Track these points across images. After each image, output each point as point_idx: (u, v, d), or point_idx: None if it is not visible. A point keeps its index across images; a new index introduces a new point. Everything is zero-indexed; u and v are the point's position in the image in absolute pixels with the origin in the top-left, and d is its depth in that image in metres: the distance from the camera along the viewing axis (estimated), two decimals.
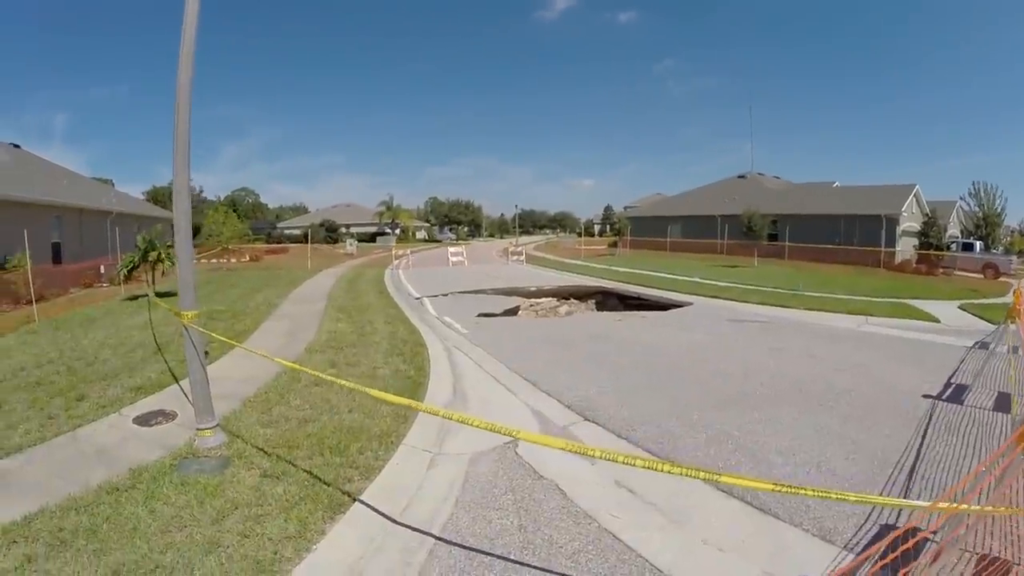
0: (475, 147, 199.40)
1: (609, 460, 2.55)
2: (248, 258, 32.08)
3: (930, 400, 6.68)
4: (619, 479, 4.48)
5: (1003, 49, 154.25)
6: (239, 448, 5.00)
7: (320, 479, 4.30)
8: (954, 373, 7.96)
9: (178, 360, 8.20)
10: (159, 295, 15.73)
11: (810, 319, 12.91)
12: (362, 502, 3.99)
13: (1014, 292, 7.88)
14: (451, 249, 32.57)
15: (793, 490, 2.26)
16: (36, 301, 12.79)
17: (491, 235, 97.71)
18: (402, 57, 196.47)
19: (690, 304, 15.55)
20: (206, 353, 8.46)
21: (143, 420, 5.89)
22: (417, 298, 16.38)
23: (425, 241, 72.62)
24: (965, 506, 2.34)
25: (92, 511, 3.87)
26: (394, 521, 3.76)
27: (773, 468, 4.78)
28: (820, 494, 2.31)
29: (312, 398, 6.28)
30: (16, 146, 29.53)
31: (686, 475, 2.34)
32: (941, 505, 2.35)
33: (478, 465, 4.71)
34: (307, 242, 36.89)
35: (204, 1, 5.10)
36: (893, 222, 34.25)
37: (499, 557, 3.31)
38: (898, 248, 33.92)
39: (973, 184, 38.86)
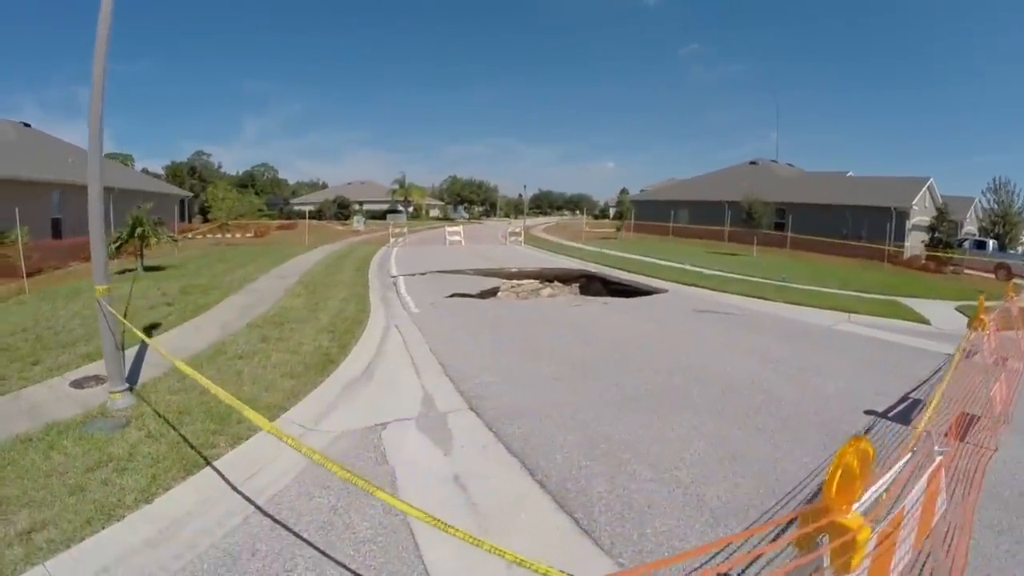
0: (498, 127, 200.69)
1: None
2: (253, 234, 32.86)
3: (872, 417, 6.00)
4: (461, 474, 4.53)
5: None
6: (142, 411, 5.58)
7: (190, 443, 4.79)
8: (918, 385, 7.20)
9: (135, 328, 8.78)
10: (148, 269, 16.55)
11: (785, 313, 12.48)
12: (213, 467, 4.46)
13: (979, 299, 6.54)
14: (449, 229, 33.04)
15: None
16: (36, 274, 13.67)
17: (506, 215, 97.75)
18: (426, 36, 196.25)
19: (665, 291, 15.59)
20: (158, 325, 9.10)
21: (78, 383, 6.53)
22: (393, 277, 16.82)
23: (438, 219, 73.02)
24: None
25: (2, 456, 4.52)
26: (233, 487, 4.21)
27: (634, 482, 4.42)
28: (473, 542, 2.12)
29: (227, 370, 6.80)
30: (26, 124, 30.96)
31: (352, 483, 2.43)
32: None
33: (339, 444, 5.05)
34: (318, 218, 37.72)
35: None
36: (903, 215, 33.63)
37: (293, 533, 3.61)
38: (907, 243, 33.37)
39: (993, 180, 37.67)
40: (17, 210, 13.69)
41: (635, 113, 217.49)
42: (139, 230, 15.65)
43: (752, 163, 48.04)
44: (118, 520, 3.74)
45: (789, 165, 48.80)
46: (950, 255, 30.24)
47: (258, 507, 3.94)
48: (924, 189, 35.00)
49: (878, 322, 11.74)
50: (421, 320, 10.44)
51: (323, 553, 3.38)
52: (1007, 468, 4.87)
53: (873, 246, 32.47)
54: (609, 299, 14.86)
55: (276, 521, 3.75)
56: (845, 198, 36.53)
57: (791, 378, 7.39)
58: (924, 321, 12.09)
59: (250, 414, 3.26)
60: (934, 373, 7.79)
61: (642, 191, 68.05)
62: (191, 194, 41.30)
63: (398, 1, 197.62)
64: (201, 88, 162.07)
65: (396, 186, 71.31)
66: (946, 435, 5.33)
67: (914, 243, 33.55)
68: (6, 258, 13.64)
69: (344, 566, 3.24)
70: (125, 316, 9.62)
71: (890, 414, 6.08)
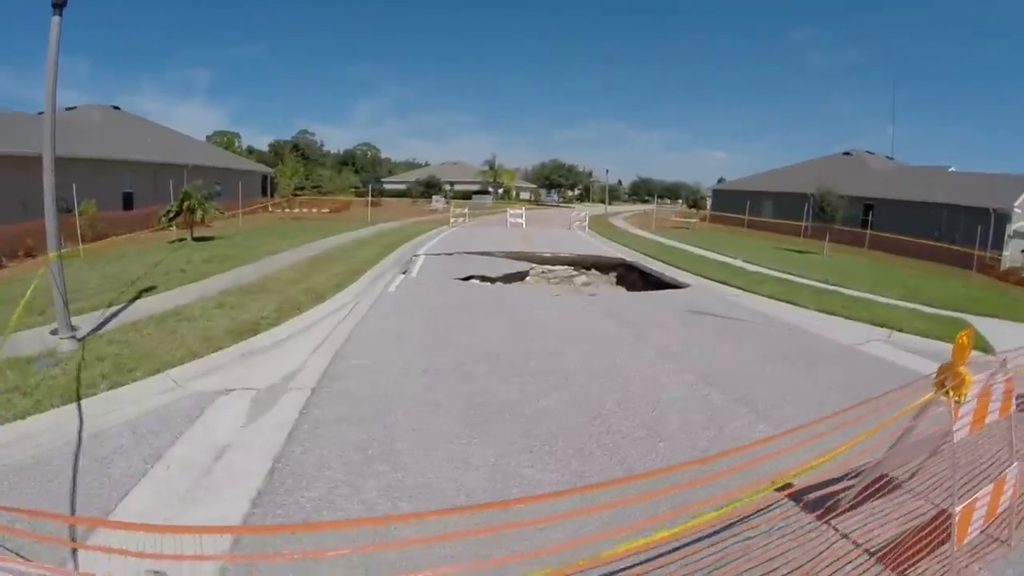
0: (606, 112, 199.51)
1: None
2: (328, 210, 35.40)
3: (783, 495, 3.74)
4: (232, 445, 4.90)
5: None
6: (77, 356, 6.87)
7: (79, 383, 5.99)
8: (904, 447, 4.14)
9: (136, 289, 10.43)
10: (199, 239, 18.77)
11: (806, 323, 10.78)
12: (79, 403, 5.60)
13: (959, 336, 3.61)
14: (511, 211, 34.16)
15: None
16: (102, 239, 16.15)
17: (600, 200, 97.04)
18: (533, 20, 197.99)
19: (687, 286, 15.34)
20: (154, 287, 10.62)
21: (55, 331, 7.97)
22: (416, 256, 17.97)
23: (527, 202, 73.92)
24: None
25: None
26: (80, 419, 5.28)
27: (347, 500, 4.12)
28: None
29: (164, 330, 8.10)
30: (116, 108, 36.18)
31: None
32: None
33: (182, 401, 5.83)
34: (406, 196, 39.65)
35: None
36: (1004, 218, 30.28)
37: (75, 460, 4.52)
38: (1006, 252, 30.03)
39: None
40: (74, 186, 16.44)
41: (749, 102, 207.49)
42: (187, 203, 17.88)
43: (846, 154, 44.88)
44: None
45: (888, 158, 45.05)
46: None
47: (80, 438, 4.99)
48: None
49: (923, 345, 9.48)
50: (388, 299, 11.32)
51: (73, 478, 4.30)
52: None
53: (966, 251, 29.56)
54: (597, 291, 15.12)
55: (77, 450, 4.76)
56: (939, 195, 33.24)
57: (716, 413, 5.93)
58: (986, 349, 9.15)
59: None
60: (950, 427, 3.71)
61: (723, 181, 65.42)
62: (272, 170, 44.85)
63: None
64: (316, 70, 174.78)
65: (486, 167, 72.92)
66: (881, 561, 3.44)
67: (1015, 252, 30.16)
68: (73, 227, 16.18)
69: (74, 489, 4.15)
70: (135, 282, 11.36)
71: (823, 491, 3.78)
